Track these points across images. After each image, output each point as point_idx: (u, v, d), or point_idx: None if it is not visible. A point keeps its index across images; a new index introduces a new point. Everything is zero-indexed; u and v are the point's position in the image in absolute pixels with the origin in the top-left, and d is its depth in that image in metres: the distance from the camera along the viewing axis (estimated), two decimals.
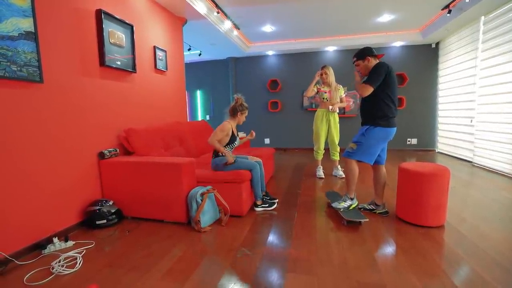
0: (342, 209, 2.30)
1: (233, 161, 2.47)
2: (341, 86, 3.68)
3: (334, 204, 2.36)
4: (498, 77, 3.83)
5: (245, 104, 2.64)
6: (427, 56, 5.72)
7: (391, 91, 2.14)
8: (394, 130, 2.22)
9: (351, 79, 5.81)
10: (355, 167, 2.31)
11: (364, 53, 2.27)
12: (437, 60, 5.69)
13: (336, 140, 3.71)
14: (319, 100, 3.69)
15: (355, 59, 2.33)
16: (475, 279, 1.48)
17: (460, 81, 4.85)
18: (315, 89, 3.64)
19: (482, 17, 4.13)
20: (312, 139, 3.82)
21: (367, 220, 2.15)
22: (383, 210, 2.39)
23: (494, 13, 3.87)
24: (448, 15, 4.12)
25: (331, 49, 6.07)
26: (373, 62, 2.25)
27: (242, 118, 2.64)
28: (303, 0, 3.77)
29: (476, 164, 4.30)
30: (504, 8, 3.65)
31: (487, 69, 4.07)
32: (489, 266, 1.60)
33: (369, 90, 2.11)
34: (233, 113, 2.61)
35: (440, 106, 5.69)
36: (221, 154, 2.55)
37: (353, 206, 2.35)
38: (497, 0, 3.54)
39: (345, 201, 2.34)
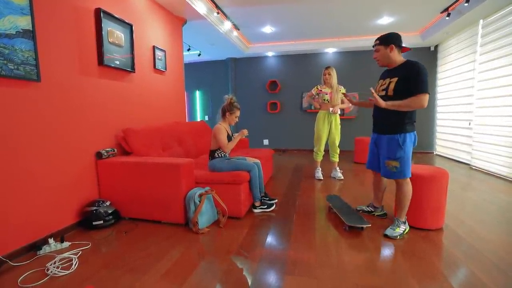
0: (398, 237, 1.98)
1: (246, 133, 2.54)
2: (342, 87, 3.66)
3: (389, 233, 2.00)
4: (496, 80, 3.85)
5: (235, 104, 2.58)
6: (426, 58, 5.73)
7: None
8: None
9: (351, 80, 5.84)
10: (411, 188, 2.01)
11: (390, 39, 1.95)
12: (436, 63, 5.72)
13: (337, 141, 3.71)
14: (320, 101, 3.67)
15: (377, 42, 2.00)
16: (474, 281, 1.48)
17: (459, 84, 4.87)
18: (316, 90, 3.63)
19: (481, 21, 4.15)
20: (313, 140, 3.81)
21: (369, 225, 2.12)
22: (382, 212, 2.39)
23: (492, 16, 3.89)
24: (447, 18, 4.14)
25: (330, 50, 6.07)
26: (396, 53, 1.96)
27: (232, 118, 2.58)
28: (303, 2, 3.77)
29: (474, 167, 4.31)
30: (503, 11, 3.67)
31: (485, 72, 4.08)
32: (487, 268, 1.59)
33: (427, 98, 1.83)
34: (223, 113, 2.59)
35: (438, 109, 5.71)
36: (217, 156, 2.54)
37: (407, 230, 2.05)
38: (496, 3, 3.56)
39: (399, 227, 2.02)
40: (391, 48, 1.95)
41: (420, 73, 1.83)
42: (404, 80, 1.88)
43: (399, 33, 2.04)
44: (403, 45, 2.01)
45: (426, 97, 1.82)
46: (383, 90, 2.01)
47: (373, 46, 2.06)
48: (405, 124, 1.94)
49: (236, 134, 2.59)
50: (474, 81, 4.37)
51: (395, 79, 1.93)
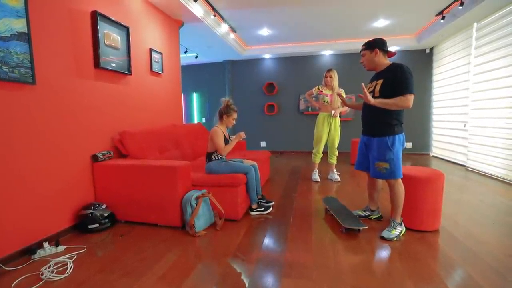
0: (395, 239, 1.99)
1: (243, 135, 2.54)
2: (343, 90, 3.67)
3: (386, 235, 2.01)
4: (490, 82, 3.89)
5: (232, 106, 2.57)
6: (421, 61, 5.79)
7: None
8: None
9: (348, 82, 5.85)
10: (402, 189, 2.03)
11: (374, 44, 2.03)
12: (431, 65, 5.77)
13: (336, 143, 3.72)
14: (320, 103, 3.67)
15: (363, 47, 2.10)
16: (470, 283, 1.48)
17: (454, 86, 4.92)
18: (316, 90, 3.64)
19: (475, 24, 4.20)
20: (310, 142, 3.82)
21: (366, 227, 2.12)
22: (378, 215, 2.39)
23: (486, 19, 3.94)
24: (442, 21, 4.18)
25: (327, 53, 6.11)
26: (381, 57, 2.03)
27: (229, 120, 2.57)
28: (300, 4, 3.80)
29: (470, 168, 4.34)
30: (496, 15, 3.72)
31: (480, 74, 4.13)
32: (484, 270, 1.60)
33: (412, 98, 1.89)
34: (220, 116, 2.58)
35: (434, 111, 5.76)
36: (214, 158, 2.53)
37: (403, 232, 2.07)
38: (490, 7, 3.60)
39: (395, 228, 2.03)
40: (375, 52, 2.03)
41: (404, 75, 1.89)
42: (389, 82, 1.95)
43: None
44: (390, 49, 2.07)
45: (411, 97, 1.89)
46: (370, 92, 2.08)
47: (360, 52, 2.15)
48: (393, 126, 1.98)
49: (233, 136, 2.59)
50: (469, 83, 4.42)
51: (380, 81, 2.01)
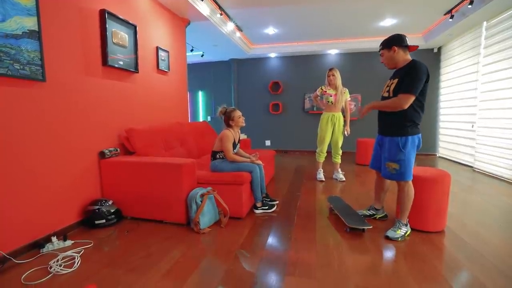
0: (400, 239, 1.98)
1: (260, 163, 2.64)
2: (347, 90, 3.67)
3: (390, 234, 2.00)
4: (500, 82, 3.83)
5: (229, 109, 2.59)
6: (429, 60, 5.72)
7: (424, 96, 1.90)
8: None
9: (354, 82, 5.83)
10: (413, 191, 2.00)
11: (390, 42, 1.95)
12: (439, 65, 5.70)
13: (340, 143, 3.71)
14: (324, 103, 3.67)
15: (381, 47, 2.02)
16: (475, 284, 1.47)
17: (462, 86, 4.85)
18: (320, 91, 3.64)
19: (485, 23, 4.13)
20: (315, 141, 3.82)
21: (371, 227, 2.12)
22: (383, 214, 2.38)
23: (496, 18, 3.87)
24: (451, 20, 4.12)
25: (333, 52, 6.07)
26: (401, 53, 1.94)
27: (237, 121, 2.58)
28: (306, 3, 3.78)
29: (476, 169, 4.29)
30: (507, 14, 3.66)
31: (489, 74, 4.07)
32: (490, 272, 1.59)
33: (411, 99, 1.82)
34: (227, 124, 2.60)
35: (441, 111, 5.69)
36: (219, 157, 2.54)
37: (409, 233, 2.05)
38: (500, 6, 3.54)
39: (400, 228, 2.02)
40: (393, 49, 1.95)
41: (413, 74, 1.82)
42: (402, 80, 1.89)
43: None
44: (410, 44, 1.97)
45: (407, 97, 1.82)
46: (387, 91, 2.03)
47: (378, 52, 2.09)
48: (407, 127, 1.93)
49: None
50: (477, 83, 4.35)
51: (396, 80, 1.95)
